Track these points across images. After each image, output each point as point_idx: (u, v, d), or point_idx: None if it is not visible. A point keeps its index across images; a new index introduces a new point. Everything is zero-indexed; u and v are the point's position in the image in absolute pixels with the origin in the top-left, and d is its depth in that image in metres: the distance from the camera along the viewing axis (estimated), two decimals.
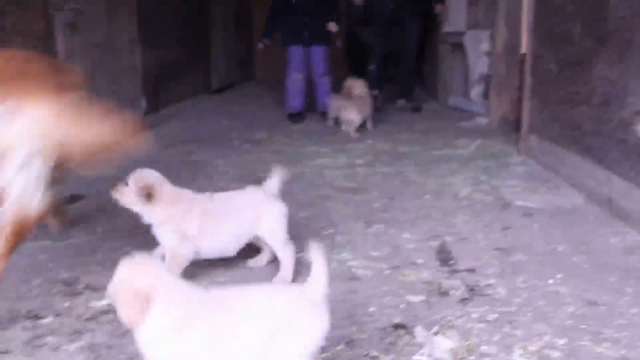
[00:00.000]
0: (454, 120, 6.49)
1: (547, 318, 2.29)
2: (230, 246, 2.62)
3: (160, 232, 2.54)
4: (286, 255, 2.65)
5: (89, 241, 3.09)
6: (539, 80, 4.49)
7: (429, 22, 7.53)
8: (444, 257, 2.87)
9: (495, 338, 2.15)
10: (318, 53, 6.67)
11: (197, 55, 8.01)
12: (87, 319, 2.30)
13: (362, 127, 5.93)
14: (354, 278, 2.65)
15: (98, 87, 4.88)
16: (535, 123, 4.57)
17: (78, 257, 2.89)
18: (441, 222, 3.33)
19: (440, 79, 7.87)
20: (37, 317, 2.32)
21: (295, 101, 6.73)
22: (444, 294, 2.49)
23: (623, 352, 2.06)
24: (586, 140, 3.67)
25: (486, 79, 6.45)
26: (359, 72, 10.24)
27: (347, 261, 2.82)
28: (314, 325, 1.73)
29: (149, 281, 1.63)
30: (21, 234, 2.25)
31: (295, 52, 6.63)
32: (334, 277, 2.64)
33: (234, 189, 3.79)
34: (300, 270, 2.67)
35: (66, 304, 2.42)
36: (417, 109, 7.29)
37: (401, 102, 7.59)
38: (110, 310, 2.36)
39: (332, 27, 6.52)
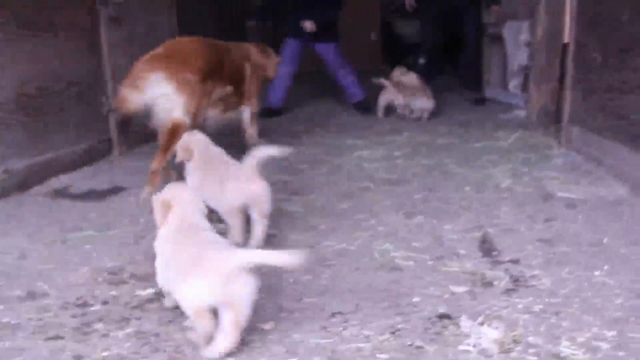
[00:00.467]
0: (492, 112, 6.40)
1: (595, 309, 2.25)
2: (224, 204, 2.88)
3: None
4: (260, 228, 2.86)
5: (132, 232, 3.13)
6: (582, 70, 4.40)
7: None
8: (487, 248, 2.85)
9: (542, 329, 2.13)
10: (326, 51, 6.49)
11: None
12: (134, 307, 2.34)
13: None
14: (397, 269, 2.64)
15: None
16: (577, 114, 4.48)
17: (122, 247, 2.94)
18: (483, 214, 3.29)
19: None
20: (85, 304, 2.37)
21: (273, 95, 6.49)
22: (488, 284, 2.47)
23: None
24: (633, 130, 3.59)
25: (525, 71, 6.35)
26: (395, 64, 10.23)
27: (389, 252, 2.81)
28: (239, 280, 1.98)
29: (171, 196, 2.30)
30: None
31: (290, 45, 6.47)
32: (376, 268, 2.66)
33: (275, 179, 3.85)
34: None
35: (112, 292, 2.46)
36: (480, 101, 7.03)
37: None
38: (156, 298, 2.40)
39: (308, 25, 6.21)
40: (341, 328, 2.17)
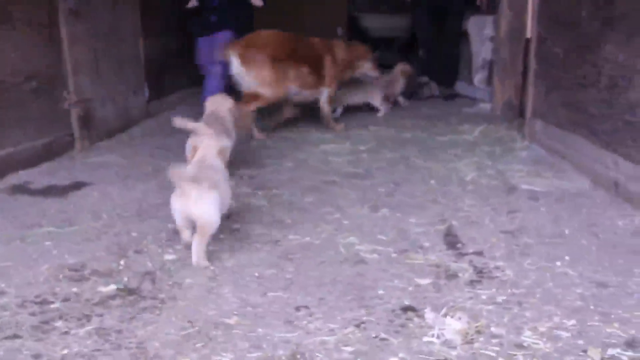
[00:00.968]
0: (458, 106, 6.45)
1: (556, 299, 2.28)
2: None
3: None
4: None
5: (94, 227, 3.07)
6: (544, 65, 4.46)
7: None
8: (451, 240, 2.86)
9: (505, 319, 2.15)
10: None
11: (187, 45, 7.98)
12: (95, 304, 2.30)
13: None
14: (362, 262, 2.64)
15: (101, 74, 4.86)
16: (540, 108, 4.54)
17: (83, 243, 2.88)
18: (447, 206, 3.32)
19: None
20: (45, 302, 2.32)
21: None
22: (452, 276, 2.49)
23: (632, 332, 2.05)
24: (593, 123, 3.65)
25: (490, 65, 6.42)
26: None
27: (354, 245, 2.81)
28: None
29: (198, 141, 3.08)
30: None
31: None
32: (341, 261, 2.66)
33: (241, 173, 3.82)
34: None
35: (73, 289, 2.41)
36: (451, 97, 6.99)
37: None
38: (118, 294, 2.36)
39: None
40: (306, 322, 2.16)
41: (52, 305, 2.29)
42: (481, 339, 2.03)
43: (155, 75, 5.94)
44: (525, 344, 2.00)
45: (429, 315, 2.15)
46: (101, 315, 2.21)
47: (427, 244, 2.81)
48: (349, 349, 1.99)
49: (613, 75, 3.39)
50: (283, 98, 5.06)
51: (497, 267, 2.56)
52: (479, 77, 6.64)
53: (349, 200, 3.44)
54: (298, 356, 1.95)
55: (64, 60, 4.43)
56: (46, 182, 3.81)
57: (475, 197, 3.46)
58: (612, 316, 2.15)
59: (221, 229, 2.99)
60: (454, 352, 1.96)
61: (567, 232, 2.94)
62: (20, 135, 4.02)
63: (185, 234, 2.71)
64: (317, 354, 1.96)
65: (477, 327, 2.09)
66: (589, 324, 2.11)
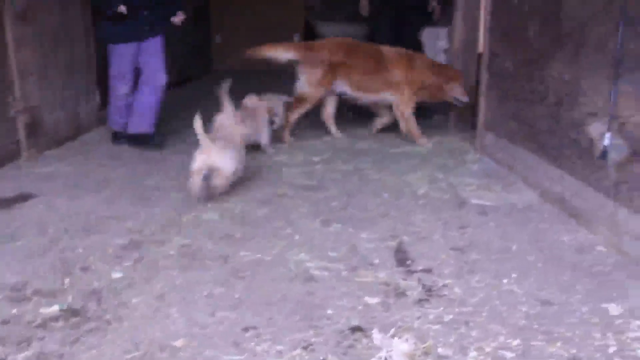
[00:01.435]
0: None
1: (502, 318, 2.31)
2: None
3: None
4: None
5: (39, 243, 2.99)
6: (496, 79, 4.54)
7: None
8: (401, 257, 2.88)
9: (452, 339, 2.17)
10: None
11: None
12: (37, 326, 2.23)
13: None
14: (312, 279, 2.64)
15: (50, 79, 4.74)
16: (491, 121, 4.62)
17: (27, 260, 2.80)
18: (399, 221, 3.34)
19: None
20: None
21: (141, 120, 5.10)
22: (401, 294, 2.50)
23: (574, 351, 2.09)
24: (541, 138, 3.72)
25: None
26: None
27: (305, 262, 2.80)
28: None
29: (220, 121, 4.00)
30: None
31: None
32: (291, 279, 2.64)
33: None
34: None
35: (14, 311, 2.34)
36: None
37: None
38: (62, 316, 2.30)
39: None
40: (253, 343, 2.15)
41: None
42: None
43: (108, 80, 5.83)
44: None
45: (376, 336, 2.16)
46: (42, 339, 2.15)
47: (377, 261, 2.82)
48: None
49: (559, 92, 3.47)
50: (324, 97, 5.37)
51: (445, 285, 2.58)
52: None
53: (301, 213, 3.44)
54: None
55: (9, 65, 4.30)
56: None
57: (426, 211, 3.49)
58: (555, 335, 2.19)
59: (171, 245, 2.98)
60: None
61: (514, 247, 2.99)
62: None
63: (195, 180, 3.52)
64: None
65: (424, 348, 2.10)
66: (532, 343, 2.14)
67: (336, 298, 2.47)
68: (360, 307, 2.39)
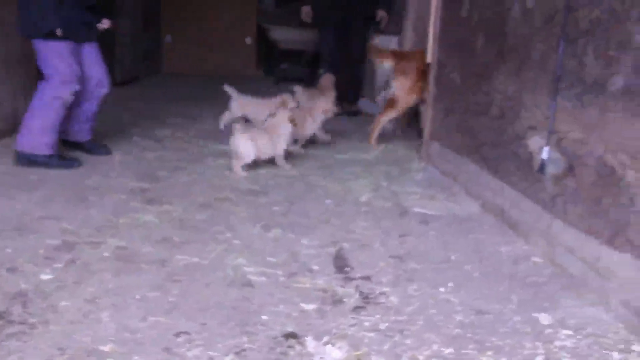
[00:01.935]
0: (361, 124, 6.53)
1: (436, 327, 2.32)
2: None
3: None
4: None
5: None
6: (442, 89, 4.59)
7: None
8: (341, 264, 2.87)
9: (385, 347, 2.16)
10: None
11: (100, 46, 7.71)
12: None
13: None
14: (249, 285, 2.60)
15: None
16: (437, 131, 4.66)
17: None
18: (340, 228, 3.33)
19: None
20: None
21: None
22: (337, 302, 2.49)
23: (504, 359, 2.12)
24: (483, 150, 3.78)
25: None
26: (269, 70, 10.23)
27: (243, 267, 2.76)
28: None
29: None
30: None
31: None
32: (228, 284, 2.61)
33: (132, 187, 3.70)
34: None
35: None
36: (354, 114, 7.04)
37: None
38: None
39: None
40: (185, 349, 2.10)
41: None
42: None
43: None
44: None
45: (310, 343, 2.14)
46: None
47: (316, 267, 2.81)
48: None
49: (503, 105, 3.53)
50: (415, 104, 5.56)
51: (382, 293, 2.58)
52: (381, 97, 6.75)
53: (241, 218, 3.40)
54: None
55: None
56: None
57: (368, 219, 3.50)
58: (487, 344, 2.21)
59: (106, 247, 2.90)
60: None
61: (453, 257, 3.01)
62: None
63: (233, 163, 4.28)
64: None
65: (357, 355, 2.09)
66: (464, 352, 2.16)
67: (272, 304, 2.44)
68: (296, 314, 2.37)
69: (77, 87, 4.25)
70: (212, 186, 3.97)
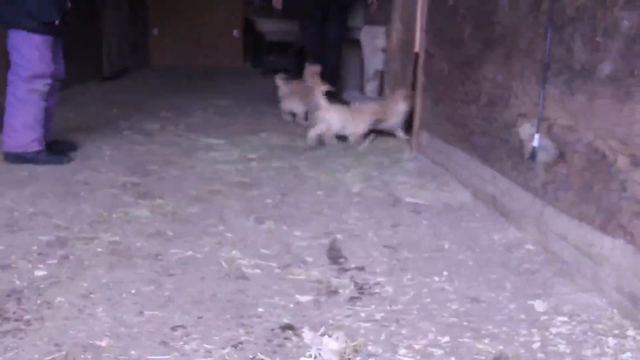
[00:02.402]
0: None
1: (432, 316, 2.34)
2: None
3: None
4: None
5: None
6: (431, 79, 4.59)
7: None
8: (334, 255, 2.88)
9: (382, 337, 2.17)
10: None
11: (87, 40, 7.65)
12: None
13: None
14: (243, 277, 2.60)
15: None
16: (427, 120, 4.68)
17: None
18: (333, 219, 3.33)
19: None
20: None
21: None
22: (333, 293, 2.49)
23: (501, 347, 2.13)
24: (474, 139, 3.79)
25: (381, 75, 6.55)
26: (256, 62, 10.20)
27: (237, 259, 2.76)
28: None
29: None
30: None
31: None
32: (222, 277, 2.61)
33: (123, 181, 3.70)
34: None
35: None
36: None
37: None
38: None
39: None
40: (182, 342, 2.10)
41: None
42: (358, 358, 2.04)
43: None
44: None
45: (307, 334, 2.15)
46: None
47: (310, 259, 2.81)
48: None
49: (492, 94, 3.54)
50: None
51: (377, 283, 2.59)
52: (370, 87, 6.76)
53: (234, 211, 3.39)
54: None
55: None
56: None
57: (360, 209, 3.51)
58: (483, 332, 2.23)
59: (99, 242, 2.90)
60: None
61: (446, 246, 3.03)
62: None
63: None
64: None
65: (354, 346, 2.10)
66: (461, 340, 2.17)
67: (268, 296, 2.44)
68: (291, 305, 2.37)
69: (49, 81, 4.11)
70: (203, 180, 3.97)
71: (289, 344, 2.11)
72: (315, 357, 2.03)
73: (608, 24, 2.51)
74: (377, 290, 2.53)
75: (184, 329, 2.18)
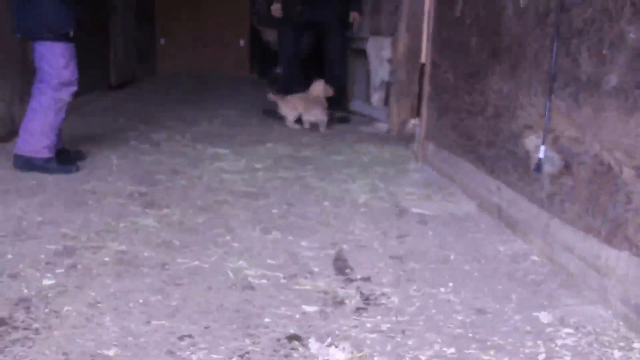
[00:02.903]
0: (355, 125, 6.57)
1: (438, 327, 2.34)
2: None
3: None
4: None
5: None
6: (437, 89, 4.61)
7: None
8: (341, 265, 2.89)
9: (388, 348, 2.18)
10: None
11: (94, 49, 7.70)
12: None
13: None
14: (250, 287, 2.61)
15: None
16: (432, 130, 4.69)
17: None
18: (339, 230, 3.34)
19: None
20: None
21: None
22: (339, 303, 2.50)
23: (506, 359, 2.13)
24: (479, 149, 3.80)
25: (387, 86, 6.57)
26: (262, 72, 10.24)
27: (243, 270, 2.77)
28: None
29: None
30: None
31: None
32: (229, 287, 2.62)
33: (130, 190, 3.72)
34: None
35: None
36: (343, 120, 6.72)
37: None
38: None
39: None
40: (189, 352, 2.11)
41: None
42: None
43: None
44: None
45: (313, 345, 2.15)
46: None
47: (316, 269, 2.82)
48: None
49: (498, 105, 3.55)
50: None
51: (383, 294, 2.59)
52: (376, 97, 6.78)
53: (240, 221, 3.41)
54: None
55: None
56: None
57: (366, 220, 3.52)
58: (489, 343, 2.23)
59: (106, 251, 2.91)
60: None
61: (452, 257, 3.03)
62: None
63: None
64: None
65: (360, 356, 2.11)
66: (466, 351, 2.17)
67: (274, 306, 2.45)
68: (297, 316, 2.38)
69: (76, 89, 4.25)
70: (210, 189, 3.98)
71: (295, 354, 2.11)
72: None
73: (614, 36, 2.52)
74: (383, 301, 2.53)
75: (191, 339, 2.19)
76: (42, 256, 2.83)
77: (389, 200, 3.90)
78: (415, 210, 3.72)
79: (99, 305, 2.41)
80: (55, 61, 4.12)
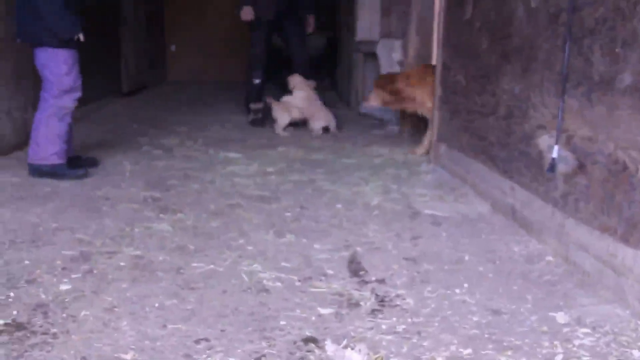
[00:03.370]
0: (366, 127, 6.57)
1: (453, 328, 2.33)
2: None
3: None
4: None
5: None
6: (448, 92, 4.61)
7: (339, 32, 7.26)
8: (355, 267, 2.89)
9: (404, 349, 2.18)
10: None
11: (105, 56, 7.75)
12: None
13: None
14: (264, 290, 2.62)
15: None
16: (444, 132, 4.69)
17: None
18: (352, 232, 3.35)
19: (353, 86, 7.95)
20: None
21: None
22: (354, 305, 2.50)
23: (523, 359, 2.12)
24: (492, 150, 3.79)
25: None
26: (271, 78, 10.25)
27: (258, 273, 2.78)
28: None
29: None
30: None
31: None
32: (244, 290, 2.62)
33: (144, 195, 3.74)
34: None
35: None
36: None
37: None
38: (5, 330, 2.23)
39: None
40: (205, 355, 2.12)
41: None
42: None
43: None
44: None
45: (329, 347, 2.15)
46: None
47: (330, 272, 2.82)
48: None
49: (510, 105, 3.54)
50: None
51: (398, 295, 2.59)
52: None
53: (254, 224, 3.42)
54: None
55: None
56: None
57: (379, 222, 3.52)
58: (505, 344, 2.22)
59: (122, 256, 2.93)
60: None
61: (466, 258, 3.03)
62: None
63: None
64: None
65: (376, 358, 2.10)
66: (483, 352, 2.17)
67: (289, 309, 2.45)
68: (313, 318, 2.39)
69: (79, 95, 4.28)
70: (222, 194, 4.00)
71: (311, 357, 2.12)
72: None
73: (627, 35, 2.51)
74: (398, 303, 2.53)
75: (207, 342, 2.20)
76: (59, 262, 2.85)
77: (401, 202, 3.90)
78: (428, 211, 3.72)
79: (116, 309, 2.42)
80: (57, 68, 4.13)
